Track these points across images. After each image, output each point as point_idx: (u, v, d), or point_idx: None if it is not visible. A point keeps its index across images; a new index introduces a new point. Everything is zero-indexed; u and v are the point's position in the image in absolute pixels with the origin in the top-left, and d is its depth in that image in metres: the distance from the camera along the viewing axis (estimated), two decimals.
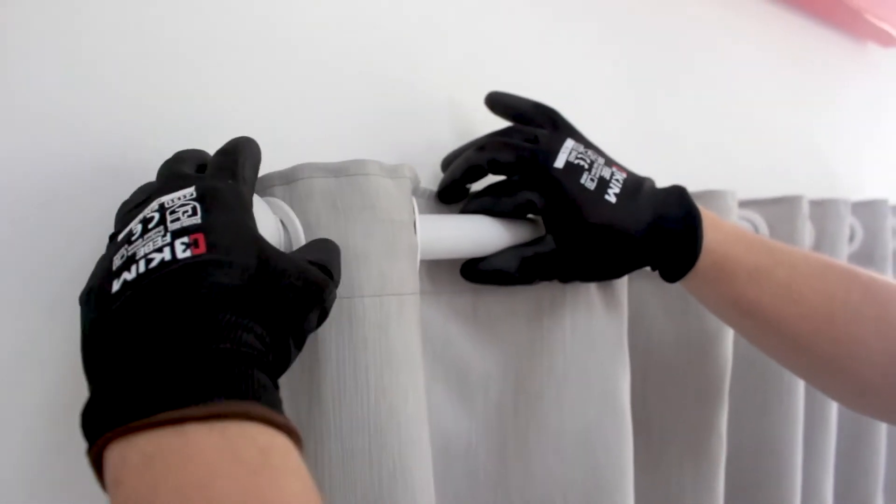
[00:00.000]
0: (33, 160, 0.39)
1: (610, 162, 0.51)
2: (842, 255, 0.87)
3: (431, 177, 0.57)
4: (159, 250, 0.30)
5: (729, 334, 0.65)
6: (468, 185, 0.52)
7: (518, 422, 0.52)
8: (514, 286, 0.51)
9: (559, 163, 0.48)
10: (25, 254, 0.39)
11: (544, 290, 0.52)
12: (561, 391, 0.51)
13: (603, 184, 0.49)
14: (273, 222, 0.39)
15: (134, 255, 0.30)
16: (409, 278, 0.41)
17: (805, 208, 0.78)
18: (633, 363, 0.63)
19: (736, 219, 0.77)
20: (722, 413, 0.64)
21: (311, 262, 0.34)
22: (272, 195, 0.40)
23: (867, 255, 0.97)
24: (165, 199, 0.33)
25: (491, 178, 0.51)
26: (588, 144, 0.53)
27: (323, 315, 0.35)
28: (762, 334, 0.52)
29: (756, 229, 0.78)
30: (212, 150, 0.39)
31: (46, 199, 0.39)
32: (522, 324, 0.52)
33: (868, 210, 0.97)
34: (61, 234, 0.40)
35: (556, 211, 0.48)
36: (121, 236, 0.33)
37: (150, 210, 0.32)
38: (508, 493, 0.52)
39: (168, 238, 0.30)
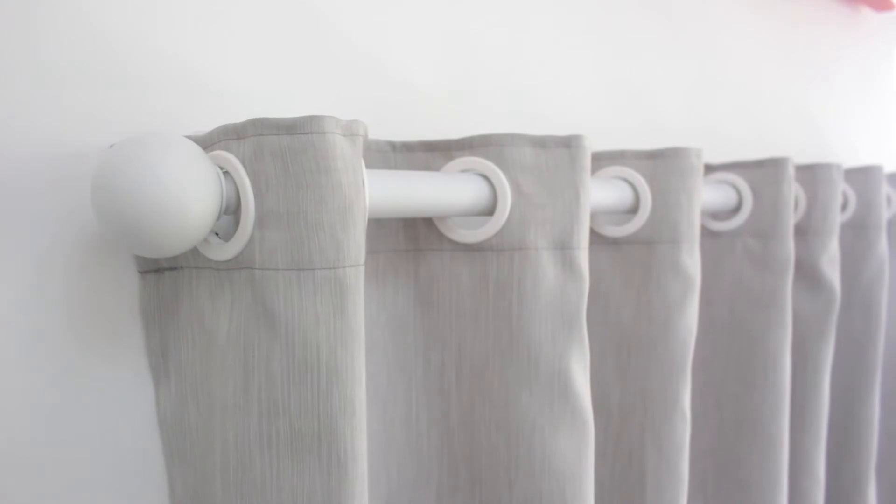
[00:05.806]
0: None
1: None
2: (835, 224, 0.81)
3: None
4: None
5: (693, 304, 0.59)
6: None
7: (461, 392, 0.48)
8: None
9: None
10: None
11: (492, 254, 0.47)
12: (506, 365, 0.47)
13: None
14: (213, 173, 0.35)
15: None
16: (361, 247, 0.37)
17: (791, 171, 0.72)
18: (589, 338, 0.58)
19: (709, 181, 0.72)
20: (685, 389, 0.59)
21: None
22: (227, 149, 0.36)
23: (861, 224, 0.92)
24: None
25: None
26: None
27: None
28: None
29: (739, 194, 0.73)
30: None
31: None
32: (466, 288, 0.48)
33: (862, 177, 0.91)
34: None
35: None
36: None
37: None
38: (455, 462, 0.49)
39: None
